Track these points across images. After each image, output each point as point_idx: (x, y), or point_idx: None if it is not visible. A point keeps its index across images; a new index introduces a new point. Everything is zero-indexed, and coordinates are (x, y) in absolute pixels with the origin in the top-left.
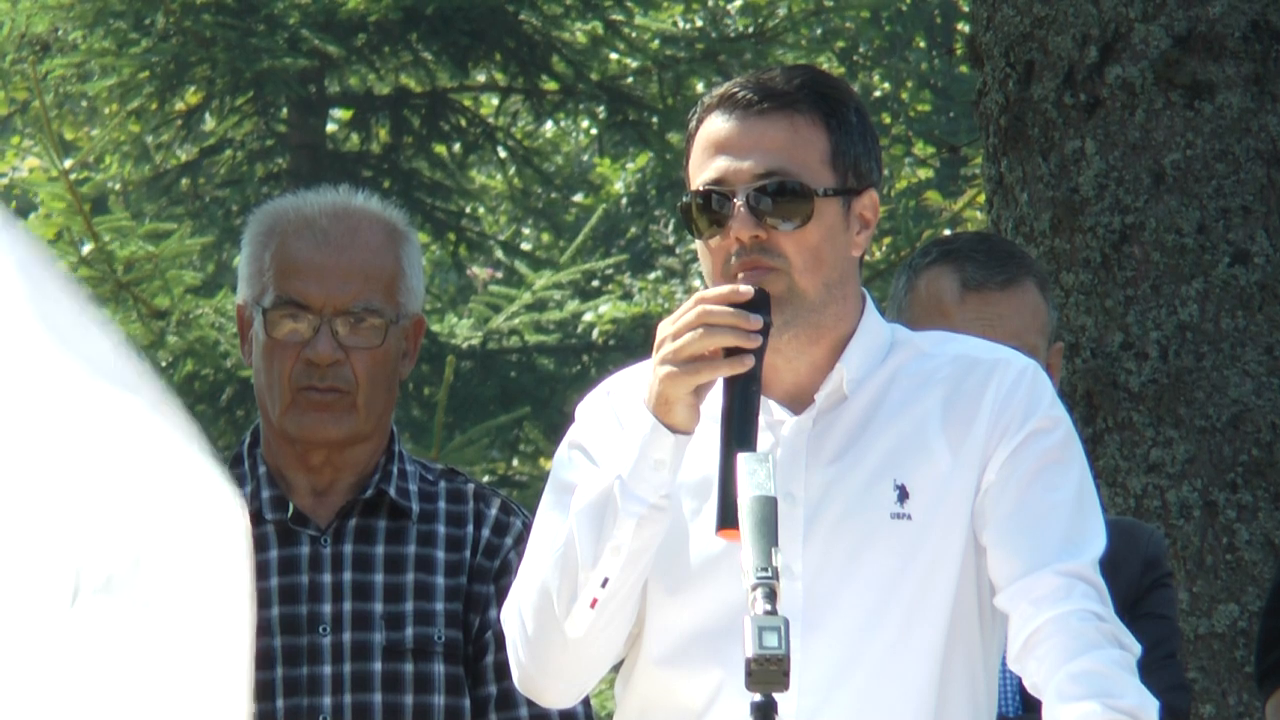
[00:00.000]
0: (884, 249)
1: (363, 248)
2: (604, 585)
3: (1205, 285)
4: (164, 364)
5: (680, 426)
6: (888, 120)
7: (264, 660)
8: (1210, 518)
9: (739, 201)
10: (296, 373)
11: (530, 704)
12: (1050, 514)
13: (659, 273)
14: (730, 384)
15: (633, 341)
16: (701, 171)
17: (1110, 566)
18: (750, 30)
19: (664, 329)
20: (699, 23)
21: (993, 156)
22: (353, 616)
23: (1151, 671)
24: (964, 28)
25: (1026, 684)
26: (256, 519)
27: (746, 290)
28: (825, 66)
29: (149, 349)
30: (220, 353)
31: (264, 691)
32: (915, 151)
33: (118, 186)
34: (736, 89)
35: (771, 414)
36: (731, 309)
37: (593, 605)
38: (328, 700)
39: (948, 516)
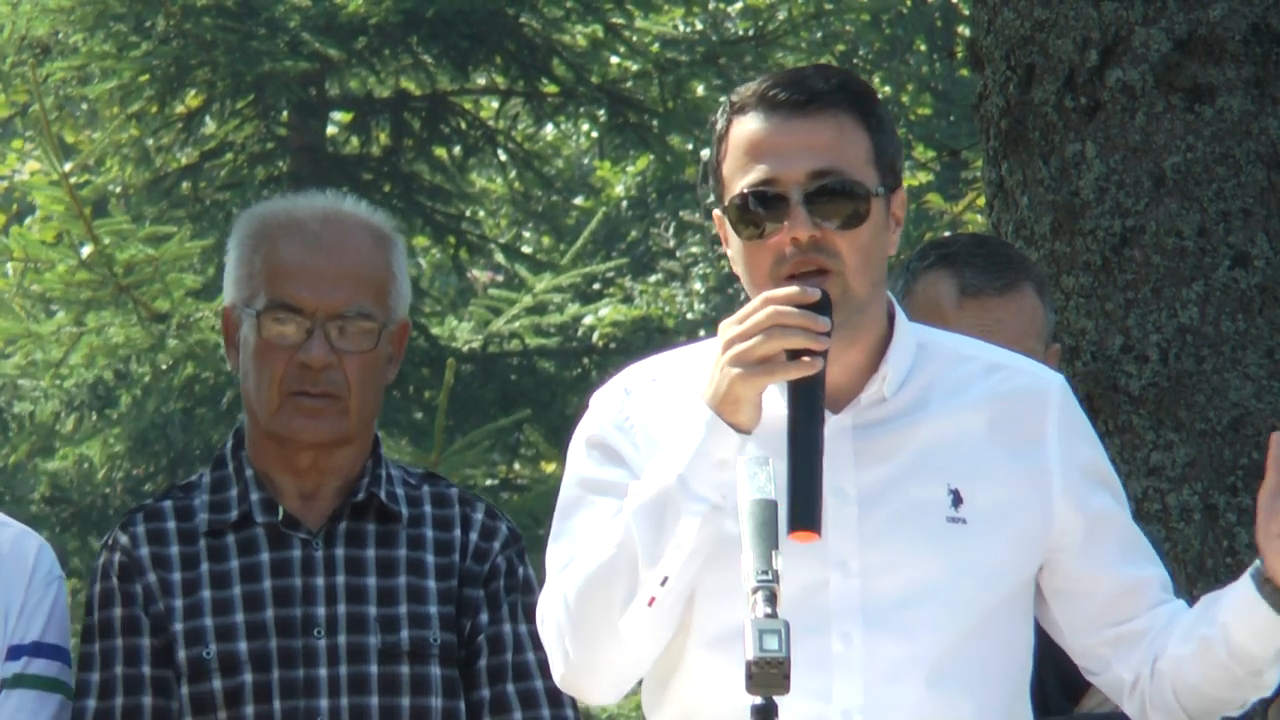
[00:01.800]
0: None
1: (354, 252)
2: (663, 583)
3: (1206, 288)
4: (164, 367)
5: (744, 426)
6: None
7: (260, 662)
8: (1211, 521)
9: (795, 200)
10: (288, 376)
11: (524, 708)
12: (1144, 545)
13: (659, 276)
14: (796, 387)
15: (633, 344)
16: (745, 173)
17: None
18: (750, 33)
19: (729, 328)
20: (699, 26)
21: (993, 160)
22: (347, 619)
23: None
24: (964, 31)
25: (1130, 659)
26: (247, 521)
27: (813, 292)
28: None
29: (149, 352)
30: (220, 356)
31: (261, 693)
32: (916, 155)
33: (118, 189)
34: (773, 89)
35: None
36: (801, 310)
37: (651, 603)
38: (324, 703)
39: (1006, 527)
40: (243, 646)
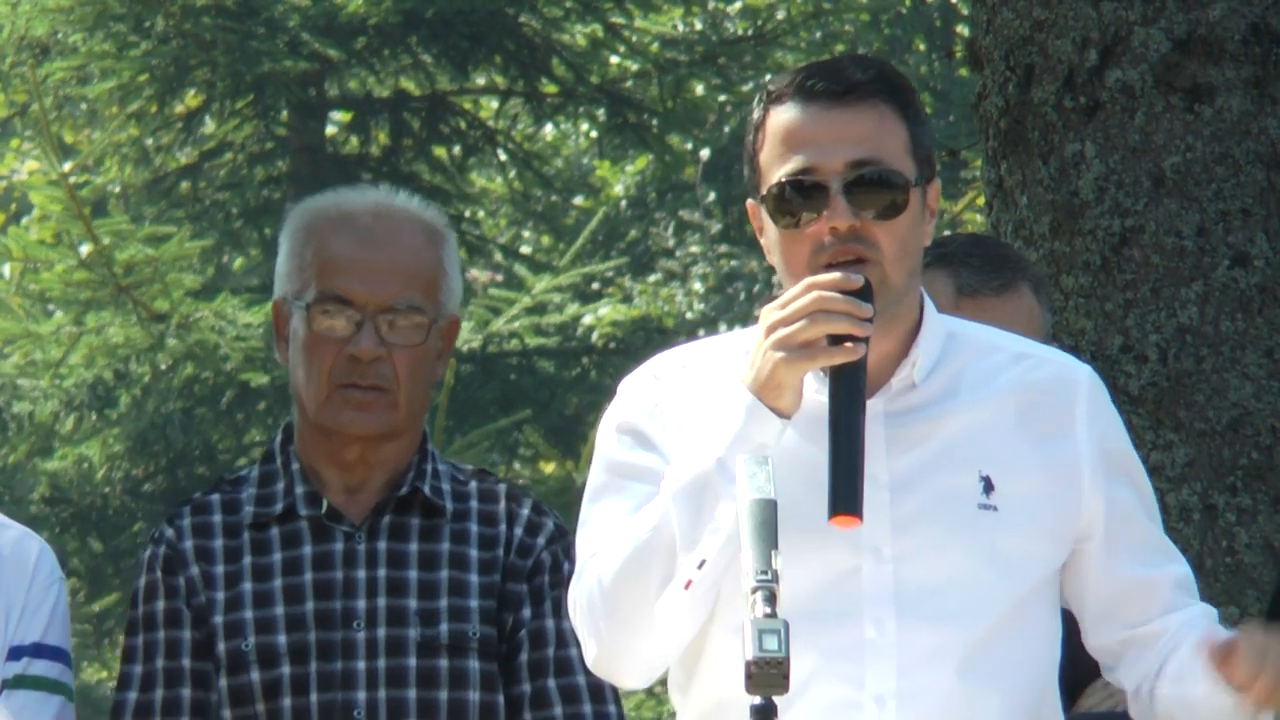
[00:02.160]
0: None
1: (406, 246)
2: (700, 566)
3: (1205, 288)
4: (163, 367)
5: (786, 410)
6: None
7: (299, 655)
8: (1210, 521)
9: (834, 190)
10: (337, 369)
11: (564, 702)
12: (1167, 545)
13: (659, 275)
14: (838, 373)
15: (633, 344)
16: (783, 162)
17: None
18: (750, 33)
19: (772, 314)
20: (699, 25)
21: (992, 159)
22: (387, 612)
23: None
24: (964, 31)
25: (1143, 667)
26: (290, 514)
27: (857, 279)
28: None
29: (148, 352)
30: (220, 356)
31: (298, 686)
32: None
33: (117, 189)
34: (810, 79)
35: None
36: (845, 296)
37: (687, 586)
38: (362, 695)
39: (1036, 516)
40: (281, 639)
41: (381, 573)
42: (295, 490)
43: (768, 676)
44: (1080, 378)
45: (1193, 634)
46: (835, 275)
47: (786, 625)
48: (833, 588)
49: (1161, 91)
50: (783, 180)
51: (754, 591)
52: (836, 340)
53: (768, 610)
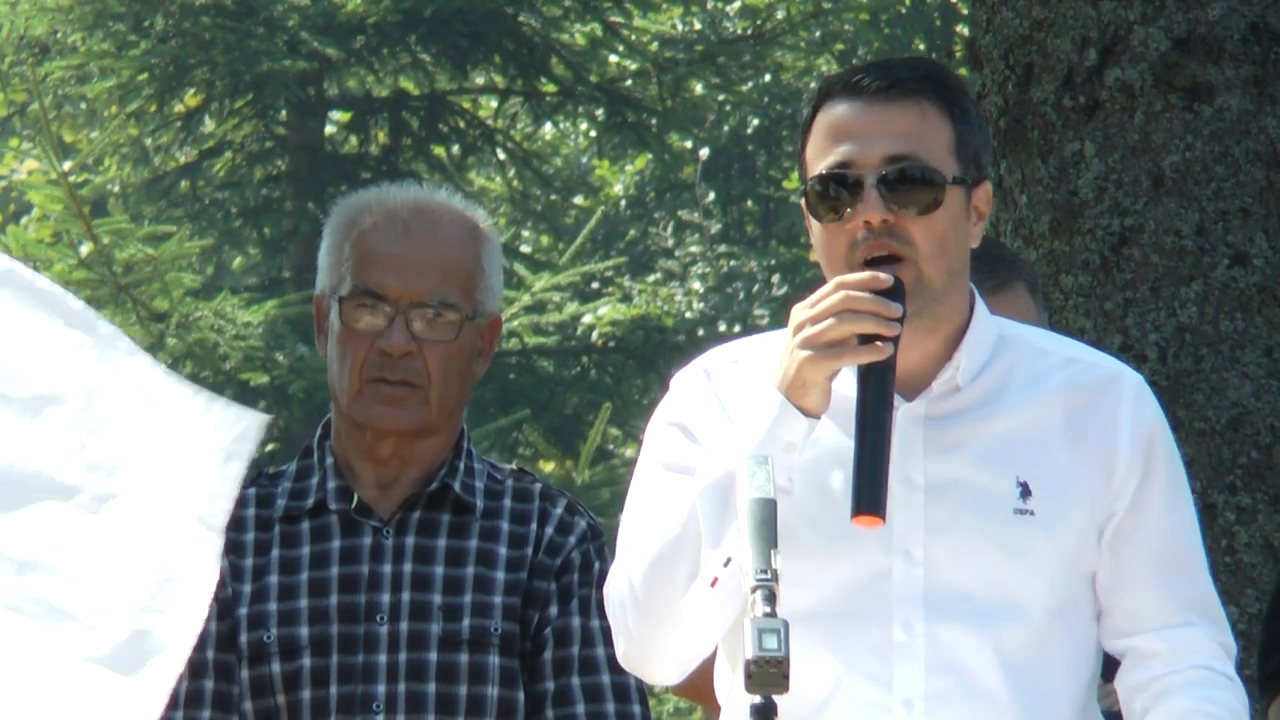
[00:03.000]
0: None
1: (443, 242)
2: (726, 564)
3: (1204, 287)
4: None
5: (813, 410)
6: None
7: (320, 647)
8: (1209, 520)
9: (869, 184)
10: (369, 363)
11: (587, 700)
12: (1189, 563)
13: (658, 275)
14: (866, 372)
15: (632, 343)
16: (825, 156)
17: None
18: (749, 32)
19: (801, 312)
20: (698, 25)
21: (992, 159)
22: (410, 607)
23: None
24: (963, 30)
25: (1131, 708)
26: (321, 509)
27: (886, 278)
28: (824, 69)
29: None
30: (220, 355)
31: (319, 678)
32: None
33: (117, 189)
34: (859, 76)
35: None
36: (873, 295)
37: (713, 584)
38: (381, 688)
39: (1070, 518)
40: (304, 631)
41: (407, 568)
42: (328, 485)
43: (767, 676)
44: (1128, 382)
45: (1181, 702)
46: (864, 275)
47: (786, 625)
48: (864, 589)
49: (1161, 91)
50: (822, 173)
51: (754, 591)
52: (867, 340)
53: (768, 610)
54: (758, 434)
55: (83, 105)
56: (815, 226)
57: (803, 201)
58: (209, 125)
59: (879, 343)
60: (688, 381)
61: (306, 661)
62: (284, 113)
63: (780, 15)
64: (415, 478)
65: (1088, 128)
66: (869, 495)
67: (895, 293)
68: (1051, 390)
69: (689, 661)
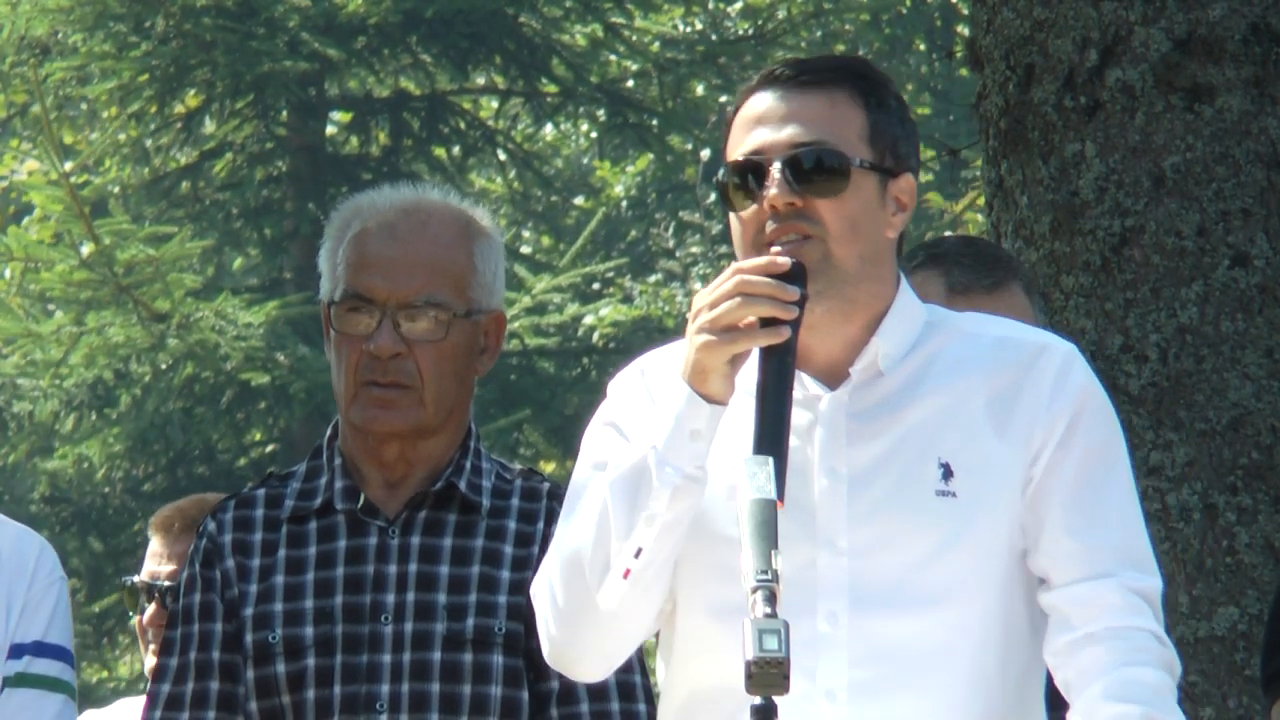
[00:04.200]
0: None
1: (430, 242)
2: (637, 556)
3: (1205, 288)
4: (164, 367)
5: (716, 396)
6: None
7: (324, 647)
8: (1210, 521)
9: (775, 169)
10: (362, 366)
11: (592, 699)
12: (1105, 516)
13: (659, 276)
14: (766, 355)
15: (633, 344)
16: (739, 145)
17: None
18: (750, 33)
19: (701, 298)
20: (699, 25)
21: (993, 159)
22: (415, 607)
23: None
24: (964, 30)
25: (1058, 679)
26: (328, 509)
27: (784, 261)
28: None
29: (149, 352)
30: (220, 355)
31: (323, 678)
32: None
33: (117, 189)
34: (777, 67)
35: (806, 389)
36: (769, 279)
37: (626, 576)
38: (385, 688)
39: (994, 497)
40: (309, 631)
41: (413, 567)
42: (335, 485)
43: (768, 676)
44: (1055, 353)
45: (1103, 683)
46: (761, 259)
47: (786, 625)
48: (791, 581)
49: (1161, 91)
50: (733, 160)
51: (754, 591)
52: (768, 324)
53: (768, 610)
54: (665, 424)
55: (83, 106)
56: (731, 216)
57: (715, 193)
58: (210, 126)
59: (778, 325)
60: (624, 381)
61: (311, 661)
62: (285, 113)
63: (781, 15)
64: (422, 477)
65: (1088, 128)
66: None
67: (795, 276)
68: (978, 371)
69: (614, 658)
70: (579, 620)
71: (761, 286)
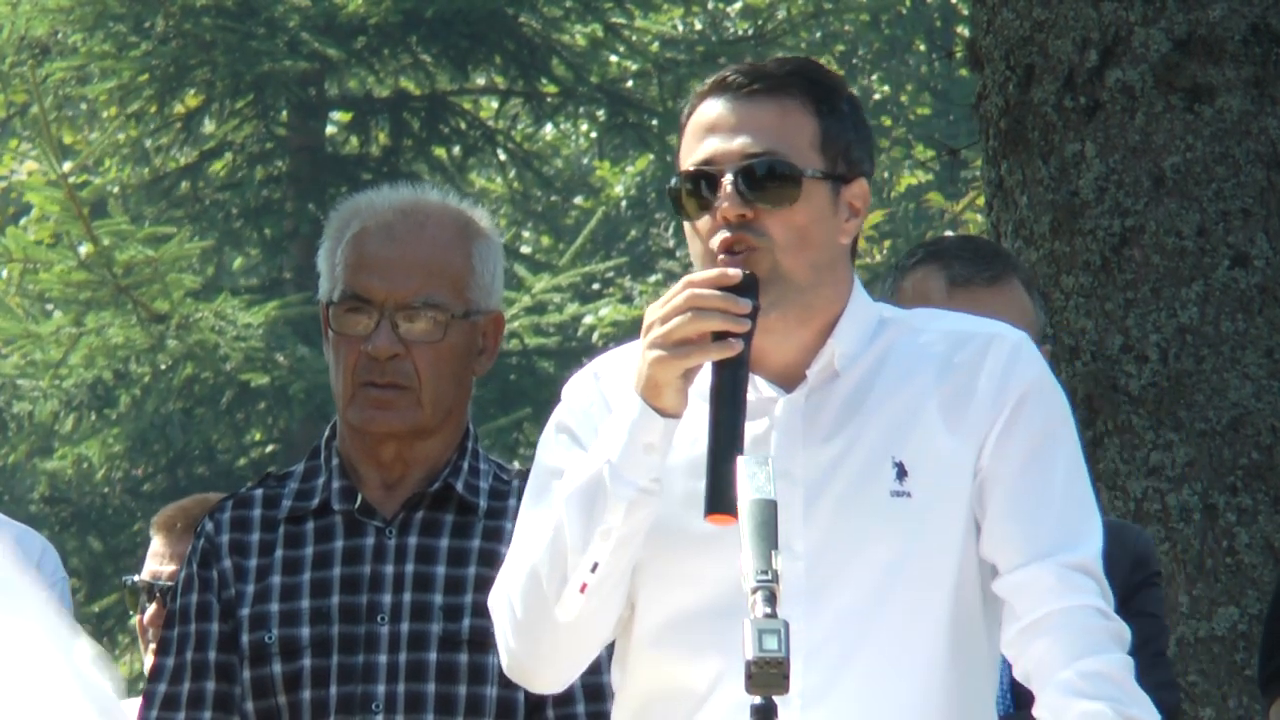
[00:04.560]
0: (885, 252)
1: (429, 242)
2: (594, 570)
3: (1205, 288)
4: (163, 367)
5: (669, 410)
6: (888, 123)
7: (320, 647)
8: (1210, 521)
9: (726, 180)
10: (359, 367)
11: (588, 700)
12: (1046, 499)
13: (659, 275)
14: (719, 366)
15: None
16: (691, 154)
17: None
18: (750, 33)
19: (652, 312)
20: (699, 25)
21: (993, 159)
22: (412, 607)
23: (1142, 670)
24: (964, 31)
25: (1017, 672)
26: (325, 509)
27: (735, 273)
28: None
29: (148, 352)
30: (220, 356)
31: (319, 678)
32: (915, 154)
33: (117, 190)
34: (728, 74)
35: (761, 392)
36: (720, 292)
37: (582, 590)
38: (381, 688)
39: (948, 494)
40: (305, 631)
41: (409, 568)
42: (332, 485)
43: (768, 676)
44: (1004, 343)
45: (1062, 671)
46: (712, 272)
47: (787, 625)
48: (738, 583)
49: (1161, 91)
50: (685, 170)
51: (754, 591)
52: (720, 337)
53: (768, 610)
54: (620, 437)
55: (83, 106)
56: (686, 225)
57: (670, 200)
58: (209, 126)
59: (730, 339)
60: (577, 386)
61: (307, 662)
62: (284, 113)
63: (781, 16)
64: (419, 478)
65: (1088, 128)
66: (721, 494)
67: (747, 288)
68: (930, 367)
69: (572, 670)
70: (537, 633)
71: (712, 300)
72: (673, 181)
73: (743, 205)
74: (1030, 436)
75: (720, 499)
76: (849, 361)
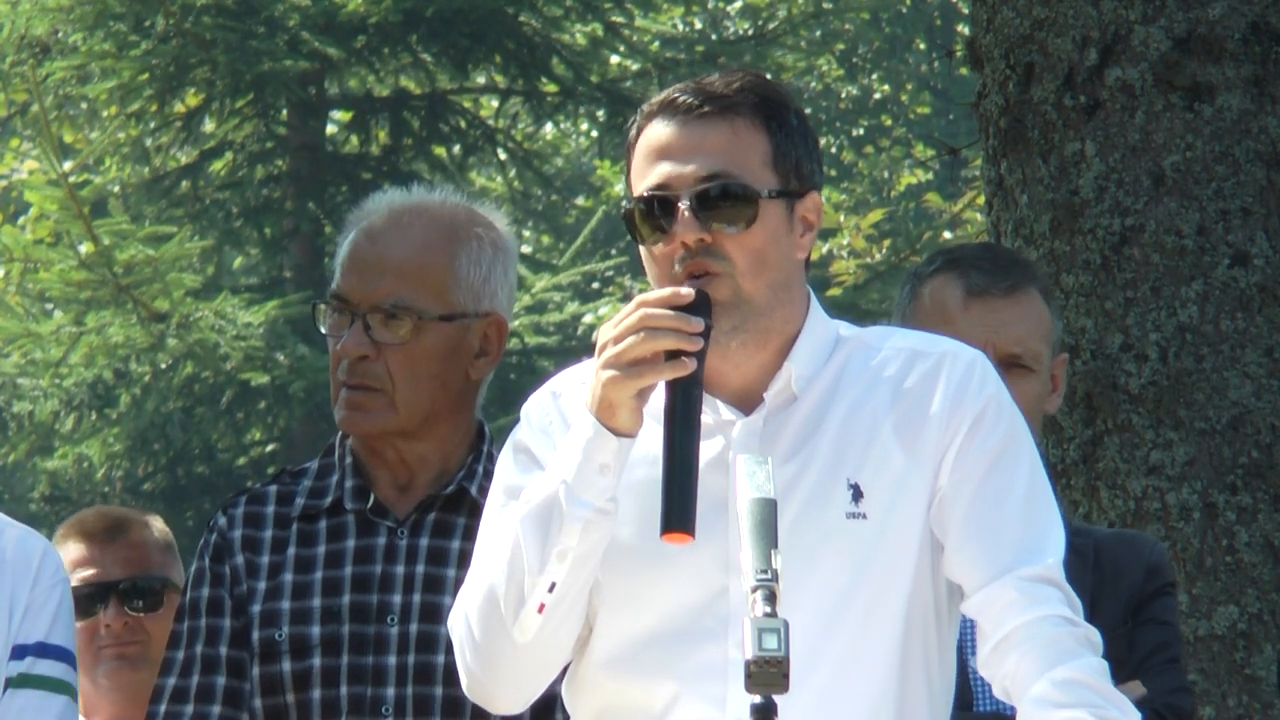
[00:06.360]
0: (884, 251)
1: (405, 245)
2: (551, 590)
3: (1205, 287)
4: (163, 367)
5: (624, 430)
6: (888, 122)
7: (331, 647)
8: (1210, 520)
9: (683, 206)
10: (340, 368)
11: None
12: (1005, 516)
13: None
14: (673, 385)
15: None
16: (644, 178)
17: (1114, 574)
18: (750, 32)
19: (605, 332)
20: (699, 25)
21: (993, 158)
22: (421, 609)
23: (1155, 675)
24: (964, 30)
25: (996, 689)
26: (338, 508)
27: (687, 293)
28: (825, 68)
29: (148, 352)
30: (220, 355)
31: (329, 678)
32: (915, 153)
33: (117, 189)
34: (676, 94)
35: (720, 415)
36: (672, 312)
37: (540, 610)
38: (390, 691)
39: (903, 515)
40: (315, 630)
41: (420, 569)
42: (345, 484)
43: (767, 675)
44: (958, 362)
45: (1034, 669)
46: (665, 292)
47: (786, 625)
48: (704, 608)
49: (1161, 90)
50: (641, 195)
51: (754, 591)
52: (673, 356)
53: (768, 609)
54: (574, 457)
55: (83, 105)
56: (642, 249)
57: (625, 223)
58: (209, 125)
59: (683, 357)
60: (535, 405)
61: (317, 661)
62: (285, 113)
63: (781, 15)
64: (430, 479)
65: (1088, 127)
66: (677, 513)
67: (700, 307)
68: (885, 387)
69: (532, 690)
70: (496, 653)
71: (665, 320)
72: (625, 204)
73: (700, 229)
74: (987, 454)
75: (676, 518)
76: (805, 384)
